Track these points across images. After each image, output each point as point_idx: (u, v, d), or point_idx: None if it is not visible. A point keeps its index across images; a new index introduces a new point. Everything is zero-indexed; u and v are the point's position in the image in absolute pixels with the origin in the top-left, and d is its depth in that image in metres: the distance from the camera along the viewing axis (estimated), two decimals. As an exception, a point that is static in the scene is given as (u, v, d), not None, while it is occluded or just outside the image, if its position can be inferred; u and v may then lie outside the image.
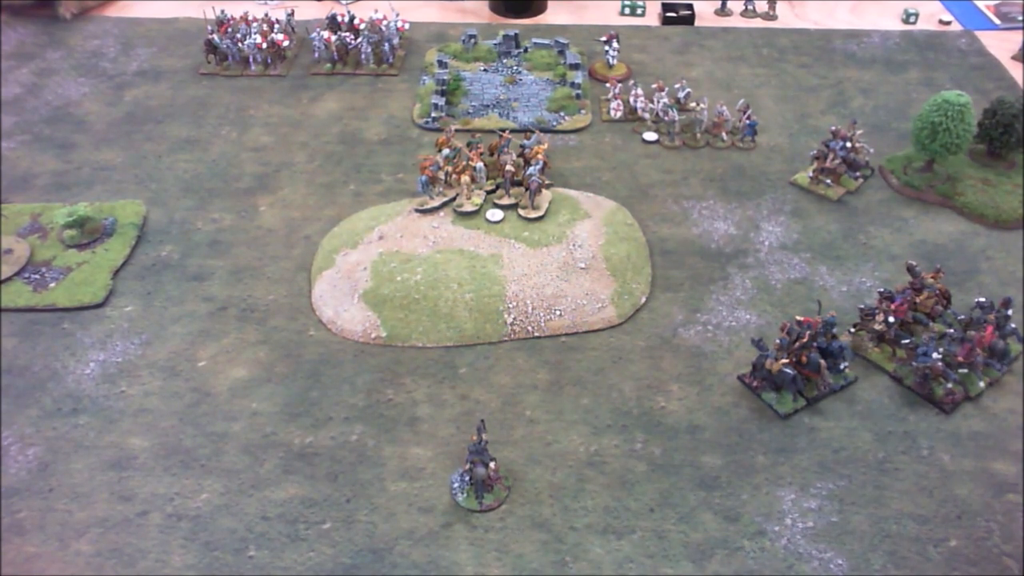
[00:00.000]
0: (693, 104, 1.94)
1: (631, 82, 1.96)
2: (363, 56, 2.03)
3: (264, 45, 2.07)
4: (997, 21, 2.34)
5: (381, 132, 1.71)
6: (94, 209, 1.44)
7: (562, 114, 1.93)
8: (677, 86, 1.88)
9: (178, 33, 2.23)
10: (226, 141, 1.71)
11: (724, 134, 1.86)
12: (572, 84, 1.98)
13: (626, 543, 1.00)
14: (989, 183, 1.76)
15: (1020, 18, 2.36)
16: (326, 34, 2.08)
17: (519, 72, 2.13)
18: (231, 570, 0.97)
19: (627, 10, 2.42)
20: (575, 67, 2.07)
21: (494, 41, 2.16)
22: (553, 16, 2.40)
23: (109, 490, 1.05)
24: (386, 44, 2.11)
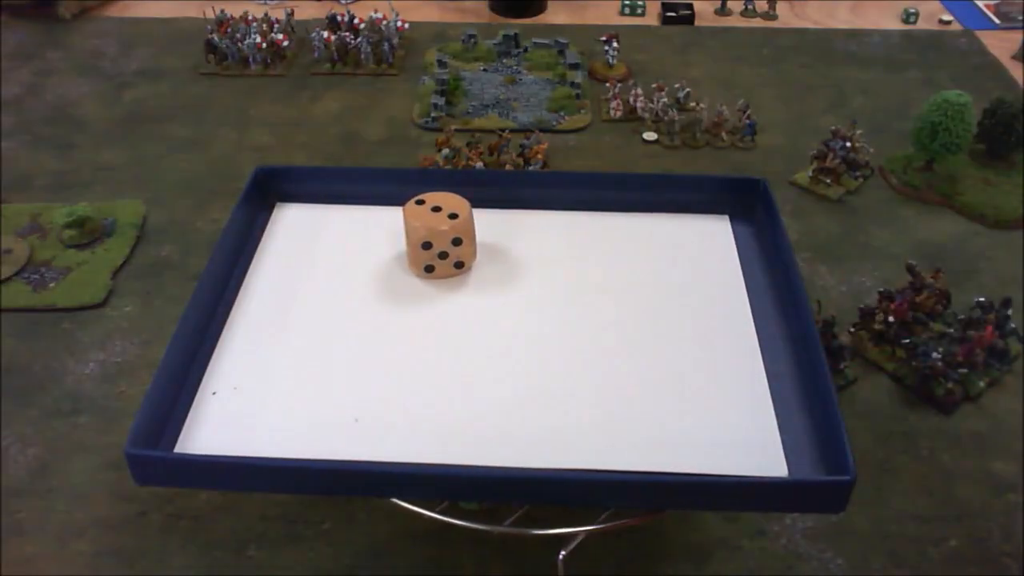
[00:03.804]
0: (693, 104, 1.93)
1: (631, 82, 1.95)
2: (363, 56, 2.03)
3: (264, 45, 2.08)
4: (997, 21, 2.34)
5: (381, 132, 1.70)
6: (94, 209, 1.43)
7: (562, 114, 1.92)
8: (677, 86, 1.87)
9: (178, 33, 2.23)
10: (226, 141, 1.70)
11: (724, 134, 1.85)
12: (572, 84, 1.99)
13: (625, 543, 0.99)
14: (989, 183, 1.76)
15: (1020, 18, 2.37)
16: (326, 34, 2.08)
17: (519, 72, 2.13)
18: (231, 570, 0.97)
19: (627, 10, 2.42)
20: (575, 67, 2.08)
21: (494, 41, 2.17)
22: (553, 16, 2.40)
23: (109, 490, 1.05)
24: (386, 44, 2.12)
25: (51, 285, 1.34)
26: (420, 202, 0.92)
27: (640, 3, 2.32)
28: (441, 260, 0.90)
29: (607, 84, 2.05)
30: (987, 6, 2.29)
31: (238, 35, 2.02)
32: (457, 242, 0.90)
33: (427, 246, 0.89)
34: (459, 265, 0.92)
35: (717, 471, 0.68)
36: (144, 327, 1.35)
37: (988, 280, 1.61)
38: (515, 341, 0.83)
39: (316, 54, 2.06)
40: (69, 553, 1.01)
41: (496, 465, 0.71)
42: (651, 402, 0.76)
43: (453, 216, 0.89)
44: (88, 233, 1.43)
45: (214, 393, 0.77)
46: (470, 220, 0.90)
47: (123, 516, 1.06)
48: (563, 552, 0.85)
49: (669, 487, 0.68)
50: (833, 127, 1.76)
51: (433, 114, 1.86)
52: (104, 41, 2.21)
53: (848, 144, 1.76)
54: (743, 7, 2.36)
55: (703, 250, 0.93)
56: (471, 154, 1.81)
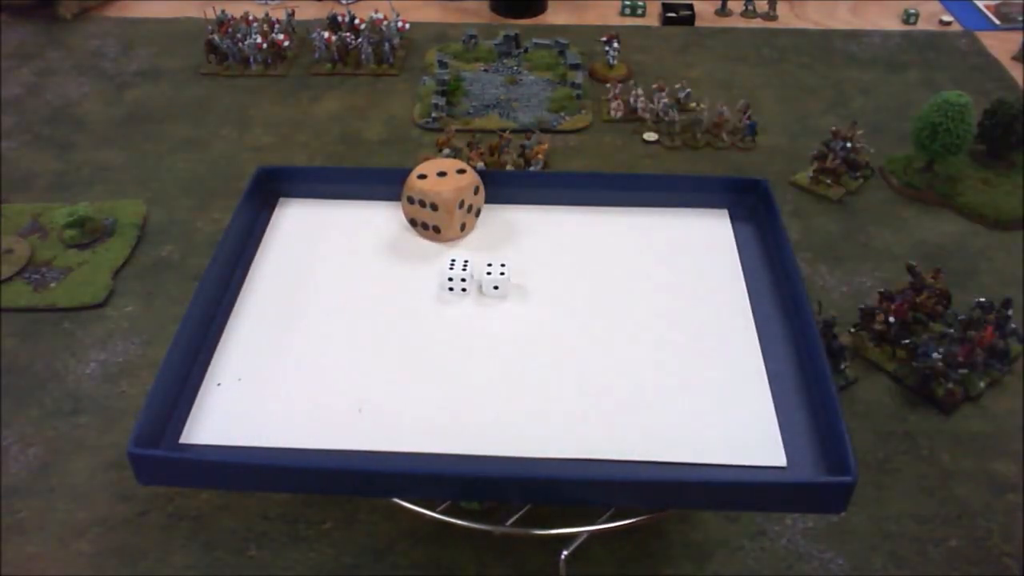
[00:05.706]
0: (693, 104, 1.93)
1: (631, 82, 1.95)
2: (363, 56, 2.03)
3: (264, 45, 2.07)
4: (997, 21, 2.34)
5: (381, 132, 1.70)
6: (94, 209, 1.43)
7: (562, 114, 1.92)
8: (677, 86, 1.86)
9: (178, 33, 2.23)
10: (226, 141, 1.69)
11: (724, 134, 1.85)
12: (572, 84, 1.99)
13: (626, 543, 0.99)
14: (989, 183, 1.76)
15: (1020, 18, 2.36)
16: (326, 34, 2.07)
17: (519, 72, 2.13)
18: (231, 570, 0.97)
19: (627, 10, 2.41)
20: (575, 67, 2.08)
21: (495, 41, 2.17)
22: (553, 16, 2.40)
23: (109, 490, 1.04)
24: (386, 44, 2.11)
25: (52, 285, 1.34)
26: (422, 176, 0.93)
27: (640, 3, 2.33)
28: (468, 213, 0.94)
29: (608, 84, 2.05)
30: (987, 7, 2.29)
31: (239, 35, 2.03)
32: (476, 191, 0.96)
33: (460, 205, 0.93)
34: (478, 212, 0.97)
35: (715, 460, 0.68)
36: (145, 327, 1.35)
37: (988, 280, 1.61)
38: (518, 334, 0.83)
39: (317, 54, 2.06)
40: (70, 553, 1.01)
41: (499, 455, 0.71)
42: (652, 397, 0.76)
43: (460, 171, 0.93)
44: (89, 233, 1.43)
45: (219, 384, 0.78)
46: (470, 170, 0.96)
47: (123, 516, 1.06)
48: (564, 552, 0.85)
49: (670, 486, 0.68)
50: (833, 127, 1.76)
51: (434, 114, 1.86)
52: (104, 41, 2.22)
53: (848, 144, 1.76)
54: (743, 7, 2.36)
55: (702, 245, 0.94)
56: (472, 154, 1.81)
